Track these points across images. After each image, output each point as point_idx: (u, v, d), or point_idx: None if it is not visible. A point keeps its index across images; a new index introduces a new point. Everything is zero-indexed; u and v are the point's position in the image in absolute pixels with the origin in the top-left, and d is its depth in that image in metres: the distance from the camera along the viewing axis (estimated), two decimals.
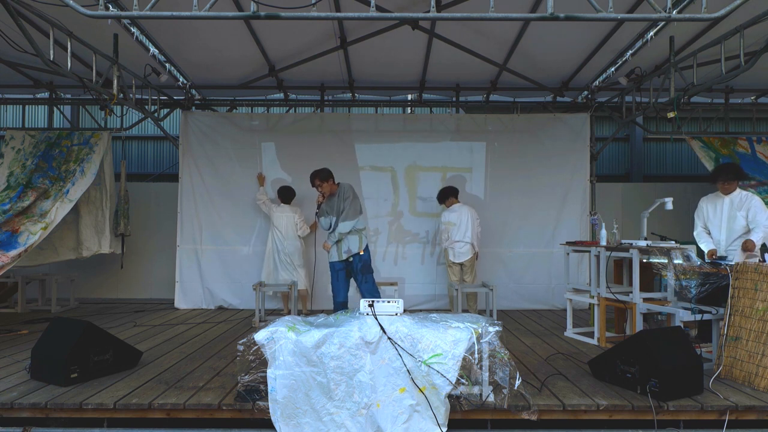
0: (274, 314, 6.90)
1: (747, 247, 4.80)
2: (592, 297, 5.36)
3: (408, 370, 3.22)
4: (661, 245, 4.82)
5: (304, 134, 7.89)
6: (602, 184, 8.48)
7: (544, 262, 7.74)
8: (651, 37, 5.73)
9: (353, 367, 3.27)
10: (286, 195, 7.17)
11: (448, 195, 6.98)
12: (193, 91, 7.85)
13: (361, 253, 5.44)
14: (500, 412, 3.38)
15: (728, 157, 7.23)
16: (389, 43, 6.23)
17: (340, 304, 5.41)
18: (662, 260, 4.68)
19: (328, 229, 5.57)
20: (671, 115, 5.78)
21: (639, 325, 4.72)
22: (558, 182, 7.80)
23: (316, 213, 5.64)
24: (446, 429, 3.22)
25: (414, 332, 3.29)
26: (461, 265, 6.88)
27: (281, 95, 7.97)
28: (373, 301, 3.44)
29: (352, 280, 5.63)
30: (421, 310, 7.00)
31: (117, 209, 7.59)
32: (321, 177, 5.46)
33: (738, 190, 4.99)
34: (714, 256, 4.85)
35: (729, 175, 5.02)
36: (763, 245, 6.60)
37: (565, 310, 5.94)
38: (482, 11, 4.03)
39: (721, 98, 7.75)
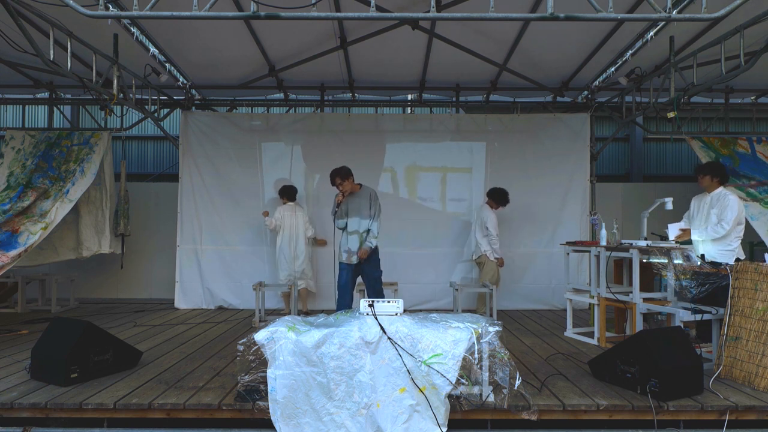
0: (274, 314, 6.90)
1: (684, 234, 5.08)
2: (592, 297, 5.36)
3: (408, 370, 3.22)
4: (661, 245, 4.82)
5: (304, 134, 7.91)
6: (602, 184, 8.48)
7: (544, 262, 7.74)
8: (651, 37, 5.73)
9: (353, 367, 3.27)
10: (291, 193, 7.18)
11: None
12: (193, 91, 7.85)
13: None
14: (500, 412, 3.38)
15: (728, 157, 7.23)
16: (389, 43, 6.23)
17: (348, 304, 5.42)
18: (662, 260, 4.68)
19: (343, 229, 5.50)
20: (671, 115, 5.79)
21: (639, 325, 4.72)
22: (558, 182, 7.81)
23: (335, 212, 5.48)
24: (446, 429, 3.22)
25: (414, 332, 3.29)
26: (477, 262, 7.04)
27: (281, 95, 7.97)
28: (373, 301, 3.44)
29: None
30: (421, 310, 6.99)
31: (117, 209, 7.59)
32: (342, 175, 5.38)
33: (720, 189, 5.00)
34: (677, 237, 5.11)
35: (702, 170, 5.09)
36: (763, 244, 6.63)
37: (565, 310, 5.95)
38: (482, 11, 4.03)
39: (721, 98, 7.75)
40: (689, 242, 5.19)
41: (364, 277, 5.55)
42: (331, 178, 5.43)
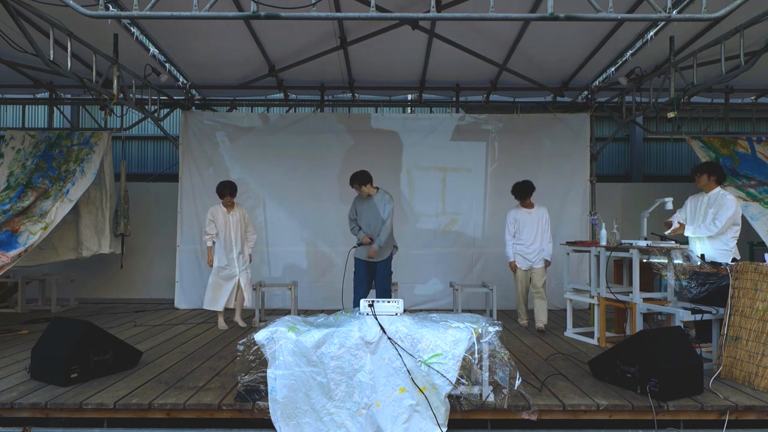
0: (273, 314, 6.89)
1: (677, 229, 5.08)
2: (592, 297, 5.36)
3: (408, 370, 3.22)
4: (661, 245, 4.82)
5: (304, 134, 7.91)
6: (602, 184, 8.48)
7: None
8: (651, 37, 5.73)
9: (353, 367, 3.27)
10: (221, 190, 6.09)
11: None
12: (193, 91, 7.85)
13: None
14: (500, 412, 3.38)
15: (728, 157, 7.23)
16: (389, 43, 6.23)
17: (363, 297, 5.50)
18: (662, 260, 4.68)
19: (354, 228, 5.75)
20: (671, 115, 5.79)
21: (639, 325, 4.72)
22: (558, 182, 7.80)
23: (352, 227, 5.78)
24: (446, 429, 3.22)
25: (414, 332, 3.29)
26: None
27: (281, 95, 7.97)
28: (373, 301, 3.45)
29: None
30: (421, 310, 7.00)
31: (117, 209, 7.59)
32: (359, 180, 5.54)
33: (718, 189, 4.99)
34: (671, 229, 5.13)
35: (699, 169, 5.07)
36: (763, 244, 6.63)
37: (565, 310, 5.94)
38: (482, 11, 4.03)
39: (721, 98, 7.75)
40: (686, 240, 5.19)
41: (375, 274, 5.69)
42: (351, 181, 5.56)
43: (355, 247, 5.69)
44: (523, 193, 6.13)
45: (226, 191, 6.04)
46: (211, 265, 6.06)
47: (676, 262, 4.57)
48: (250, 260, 6.35)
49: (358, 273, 5.69)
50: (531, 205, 6.18)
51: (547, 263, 6.17)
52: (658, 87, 6.20)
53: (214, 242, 6.06)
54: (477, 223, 7.81)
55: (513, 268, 6.23)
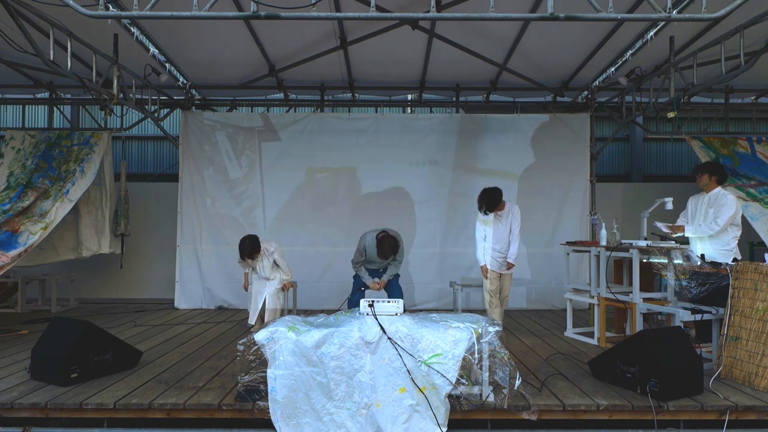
0: None
1: (675, 228, 5.05)
2: (592, 297, 5.36)
3: (408, 370, 3.22)
4: (661, 245, 4.82)
5: (304, 134, 7.91)
6: (602, 184, 8.48)
7: (544, 262, 7.74)
8: (651, 37, 5.74)
9: (353, 367, 3.27)
10: (243, 250, 5.81)
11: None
12: (193, 91, 7.85)
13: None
14: (500, 412, 3.38)
15: (728, 157, 7.23)
16: (389, 43, 6.23)
17: (355, 302, 5.53)
18: (662, 260, 4.68)
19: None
20: (671, 115, 5.79)
21: (639, 325, 4.72)
22: (558, 182, 7.80)
23: (357, 262, 5.78)
24: (446, 429, 3.22)
25: (414, 332, 3.29)
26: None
27: (281, 95, 7.98)
28: (373, 301, 3.45)
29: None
30: (421, 310, 6.99)
31: (117, 209, 7.59)
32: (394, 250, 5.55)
33: (719, 188, 4.98)
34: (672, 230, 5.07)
35: (700, 169, 5.07)
36: (763, 244, 6.63)
37: (565, 310, 5.94)
38: (482, 11, 4.04)
39: (721, 98, 7.75)
40: (686, 240, 5.19)
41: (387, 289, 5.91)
42: (385, 254, 5.46)
43: (360, 289, 5.81)
44: (494, 204, 5.44)
45: (245, 253, 5.74)
46: (246, 290, 6.31)
47: (676, 262, 4.57)
48: (287, 287, 6.09)
49: (357, 279, 5.81)
50: (502, 207, 5.56)
51: (509, 266, 5.64)
52: (658, 87, 6.20)
53: (249, 270, 6.21)
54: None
55: (485, 272, 5.62)
